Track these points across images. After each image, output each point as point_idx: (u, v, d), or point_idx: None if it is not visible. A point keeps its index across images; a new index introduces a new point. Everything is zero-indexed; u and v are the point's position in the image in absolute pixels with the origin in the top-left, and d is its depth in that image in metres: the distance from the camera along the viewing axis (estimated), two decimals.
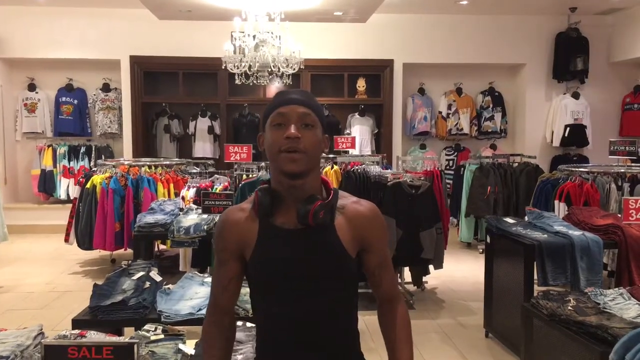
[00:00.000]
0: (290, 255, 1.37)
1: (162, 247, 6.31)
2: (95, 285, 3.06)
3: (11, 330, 2.19)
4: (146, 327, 2.23)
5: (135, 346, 1.56)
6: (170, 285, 3.21)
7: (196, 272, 3.45)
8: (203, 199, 4.26)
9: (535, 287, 3.56)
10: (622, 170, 5.17)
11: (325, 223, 1.37)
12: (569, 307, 2.80)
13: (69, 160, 8.25)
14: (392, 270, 1.51)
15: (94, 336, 2.08)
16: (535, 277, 3.58)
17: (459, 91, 8.69)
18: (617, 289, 3.00)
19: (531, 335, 3.05)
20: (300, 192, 1.38)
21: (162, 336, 2.15)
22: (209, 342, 1.46)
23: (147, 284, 3.12)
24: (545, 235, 3.67)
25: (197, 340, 2.19)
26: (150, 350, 1.97)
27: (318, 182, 1.43)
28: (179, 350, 2.02)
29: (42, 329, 2.19)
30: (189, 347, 2.09)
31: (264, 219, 1.40)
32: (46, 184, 8.21)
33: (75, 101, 8.38)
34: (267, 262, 1.39)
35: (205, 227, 4.17)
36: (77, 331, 2.14)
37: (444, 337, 4.18)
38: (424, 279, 5.20)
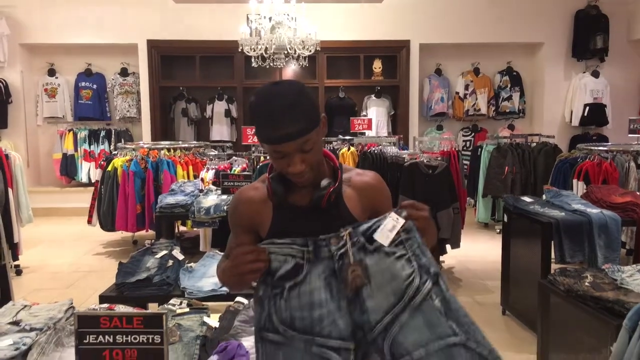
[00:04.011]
0: (305, 230, 1.42)
1: (182, 228, 6.42)
2: (120, 264, 3.15)
3: (43, 305, 2.28)
4: (171, 301, 2.30)
5: (164, 316, 1.63)
6: (192, 264, 3.29)
7: (217, 251, 3.53)
8: (222, 180, 4.33)
9: (552, 265, 3.57)
10: None
11: (334, 201, 1.44)
12: (586, 283, 2.82)
13: (90, 144, 8.39)
14: None
15: (122, 309, 2.16)
16: (553, 255, 3.60)
17: (476, 71, 8.62)
18: (634, 265, 3.00)
19: (548, 312, 3.07)
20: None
21: (187, 310, 2.22)
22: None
23: (170, 262, 3.20)
24: (563, 214, 3.67)
25: (220, 314, 2.26)
26: (176, 323, 2.05)
27: (324, 168, 1.49)
28: (204, 323, 2.09)
29: (72, 303, 2.27)
30: (213, 320, 2.16)
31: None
32: (68, 168, 8.36)
33: (95, 86, 8.49)
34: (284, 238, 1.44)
35: (225, 207, 4.24)
36: (105, 305, 2.22)
37: None
38: (441, 258, 5.23)
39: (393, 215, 1.34)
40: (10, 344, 1.86)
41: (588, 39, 8.19)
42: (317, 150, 1.40)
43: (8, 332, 1.97)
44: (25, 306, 2.25)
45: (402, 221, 1.33)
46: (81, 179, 8.39)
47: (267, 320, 1.36)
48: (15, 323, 2.05)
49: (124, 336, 1.64)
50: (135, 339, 1.63)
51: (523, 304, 3.88)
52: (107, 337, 1.64)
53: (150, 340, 1.63)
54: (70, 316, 2.19)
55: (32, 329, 1.99)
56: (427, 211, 1.35)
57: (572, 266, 3.31)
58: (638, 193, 4.00)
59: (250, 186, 1.53)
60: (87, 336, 1.64)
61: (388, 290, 1.30)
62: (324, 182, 1.42)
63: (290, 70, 8.59)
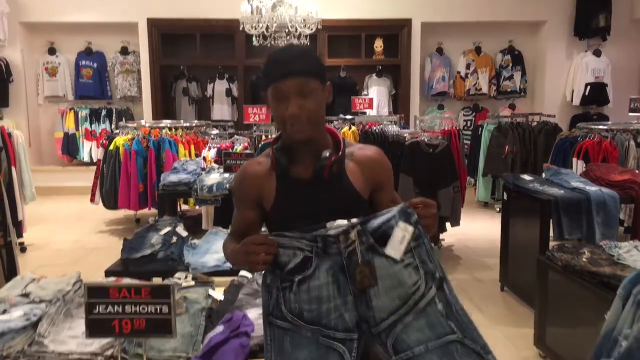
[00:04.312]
0: (309, 203, 1.46)
1: (184, 207, 6.47)
2: (125, 240, 3.20)
3: (51, 278, 2.33)
4: (177, 275, 2.35)
5: (172, 287, 1.68)
6: (195, 240, 3.34)
7: (220, 228, 3.57)
8: (224, 159, 4.36)
9: (551, 243, 3.62)
10: None
11: (337, 174, 1.47)
12: (584, 259, 2.87)
13: (91, 123, 8.40)
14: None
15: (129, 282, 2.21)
16: (551, 234, 3.64)
17: (477, 50, 8.59)
18: (631, 241, 3.05)
19: (546, 287, 3.13)
20: (312, 146, 1.47)
21: (192, 283, 2.27)
22: (230, 242, 1.57)
23: (174, 239, 3.25)
24: (562, 191, 3.71)
25: (225, 288, 2.31)
26: (183, 296, 2.10)
27: (326, 135, 1.52)
28: (209, 296, 2.14)
29: (80, 277, 2.32)
30: (218, 293, 2.21)
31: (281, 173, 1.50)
32: (69, 147, 8.39)
33: (95, 65, 8.48)
34: (289, 212, 1.48)
35: (228, 185, 4.27)
36: (113, 278, 2.27)
37: (460, 291, 4.29)
38: (441, 236, 5.28)
39: (401, 224, 1.35)
40: (21, 314, 1.91)
41: (590, 18, 8.15)
42: (317, 103, 1.42)
43: (18, 303, 2.02)
44: (34, 279, 2.30)
45: (411, 229, 1.35)
46: (83, 158, 8.42)
47: (275, 307, 1.41)
48: (25, 295, 2.10)
49: (133, 306, 1.69)
50: (143, 309, 1.68)
51: (521, 281, 3.95)
52: (116, 307, 1.69)
53: (159, 310, 1.68)
54: (79, 289, 2.23)
55: (41, 301, 2.04)
56: (435, 208, 1.39)
57: (570, 243, 3.36)
58: (637, 171, 4.03)
59: (253, 161, 1.56)
60: (97, 306, 1.69)
61: (394, 294, 1.36)
62: (326, 153, 1.45)
63: None
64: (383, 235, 1.35)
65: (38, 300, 2.04)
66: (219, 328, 1.86)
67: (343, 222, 1.37)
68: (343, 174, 1.48)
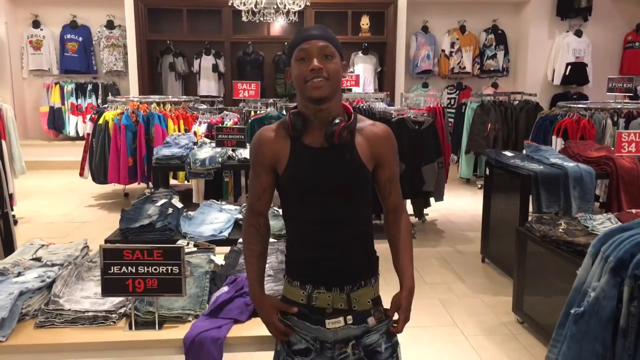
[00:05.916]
0: (319, 169, 1.59)
1: (172, 182, 6.54)
2: (123, 211, 3.30)
3: (59, 244, 2.44)
4: (179, 242, 2.46)
5: (182, 249, 1.80)
6: (190, 212, 3.45)
7: (214, 200, 3.68)
8: (217, 133, 4.45)
9: (530, 216, 3.80)
10: (619, 107, 5.35)
11: (347, 142, 1.58)
12: (560, 230, 3.05)
13: (77, 98, 8.39)
14: (399, 185, 1.73)
15: None
16: (531, 208, 3.83)
17: (462, 29, 8.71)
18: (605, 214, 3.24)
19: (524, 257, 3.32)
20: (326, 115, 1.58)
21: (194, 249, 2.39)
22: (248, 239, 1.70)
23: (170, 210, 3.35)
24: (542, 167, 3.89)
25: (225, 254, 2.44)
26: (187, 260, 2.22)
27: (340, 106, 1.63)
28: (211, 261, 2.27)
29: (87, 243, 2.43)
30: (219, 259, 2.34)
31: (295, 139, 1.61)
32: (55, 121, 8.38)
33: (80, 38, 8.43)
34: (300, 176, 1.60)
35: (220, 159, 4.38)
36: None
37: (443, 262, 4.49)
38: (425, 211, 5.46)
39: None
40: (36, 276, 2.02)
41: None
42: (337, 68, 1.56)
43: (32, 266, 2.13)
44: (43, 245, 2.41)
45: None
46: (69, 133, 8.41)
47: None
48: (37, 259, 2.21)
49: (146, 267, 1.81)
50: (155, 269, 1.81)
51: (501, 252, 4.14)
52: (130, 268, 1.81)
53: (170, 271, 1.81)
54: (86, 254, 2.35)
55: (53, 265, 2.15)
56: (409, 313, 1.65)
57: (548, 215, 3.54)
58: (613, 149, 4.22)
59: (269, 127, 1.67)
60: (112, 267, 1.81)
61: None
62: (337, 120, 1.57)
63: (278, 26, 8.59)
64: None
65: (50, 264, 2.15)
66: (224, 288, 1.99)
67: (341, 321, 1.58)
68: (352, 145, 1.60)
